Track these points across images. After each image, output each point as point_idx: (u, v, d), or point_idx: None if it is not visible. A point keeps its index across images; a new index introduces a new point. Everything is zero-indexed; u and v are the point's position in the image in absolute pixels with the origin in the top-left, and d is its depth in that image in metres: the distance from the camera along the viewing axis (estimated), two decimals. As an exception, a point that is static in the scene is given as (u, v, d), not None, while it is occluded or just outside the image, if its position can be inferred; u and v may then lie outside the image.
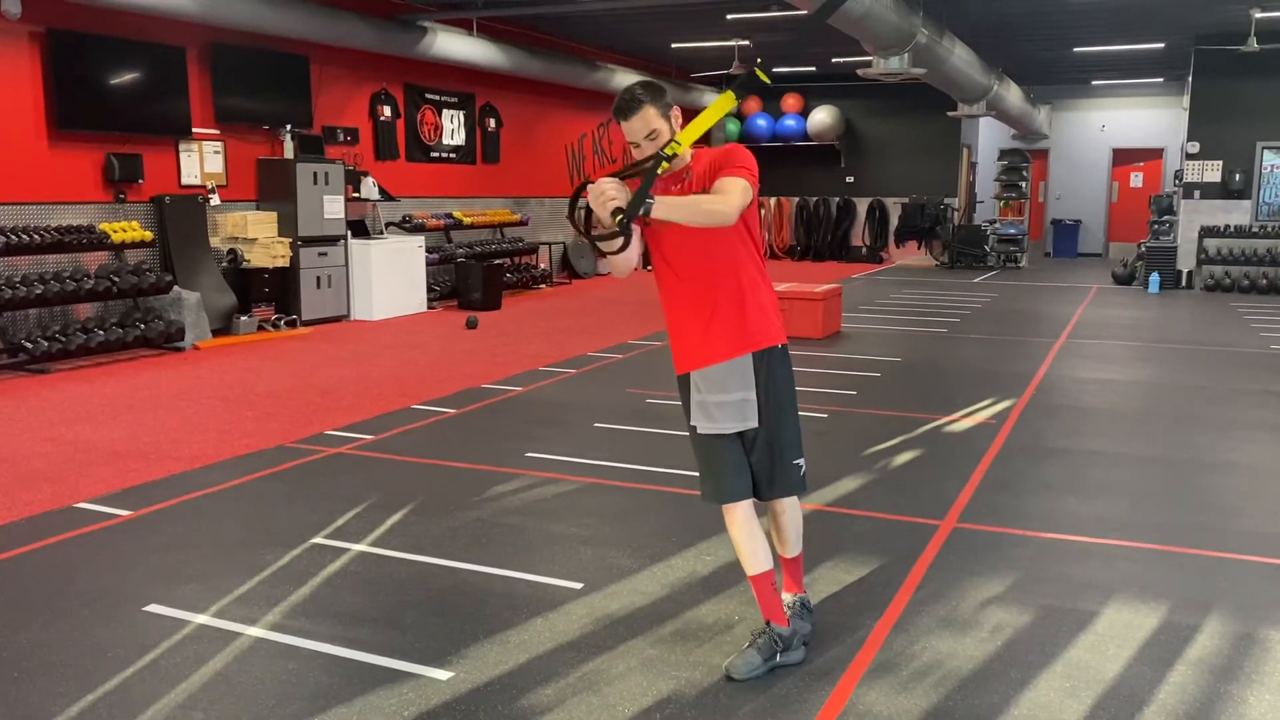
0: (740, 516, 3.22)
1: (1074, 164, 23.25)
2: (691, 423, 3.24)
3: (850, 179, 20.60)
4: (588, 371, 8.38)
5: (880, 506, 4.90)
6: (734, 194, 2.96)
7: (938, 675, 3.19)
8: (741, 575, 3.91)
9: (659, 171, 2.91)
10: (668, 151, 2.91)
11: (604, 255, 2.94)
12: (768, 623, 3.25)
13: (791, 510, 3.36)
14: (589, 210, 2.93)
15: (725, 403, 3.16)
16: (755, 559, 3.24)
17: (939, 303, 13.53)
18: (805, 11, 9.37)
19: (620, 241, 2.87)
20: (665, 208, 2.89)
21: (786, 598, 3.43)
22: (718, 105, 2.95)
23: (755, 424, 3.18)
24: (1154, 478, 5.50)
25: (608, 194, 2.83)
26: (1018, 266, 19.32)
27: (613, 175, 2.90)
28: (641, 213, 2.82)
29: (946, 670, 3.23)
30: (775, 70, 18.81)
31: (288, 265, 10.55)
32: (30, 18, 8.42)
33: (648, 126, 3.01)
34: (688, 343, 3.21)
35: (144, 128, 9.50)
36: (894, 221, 20.19)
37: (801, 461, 3.27)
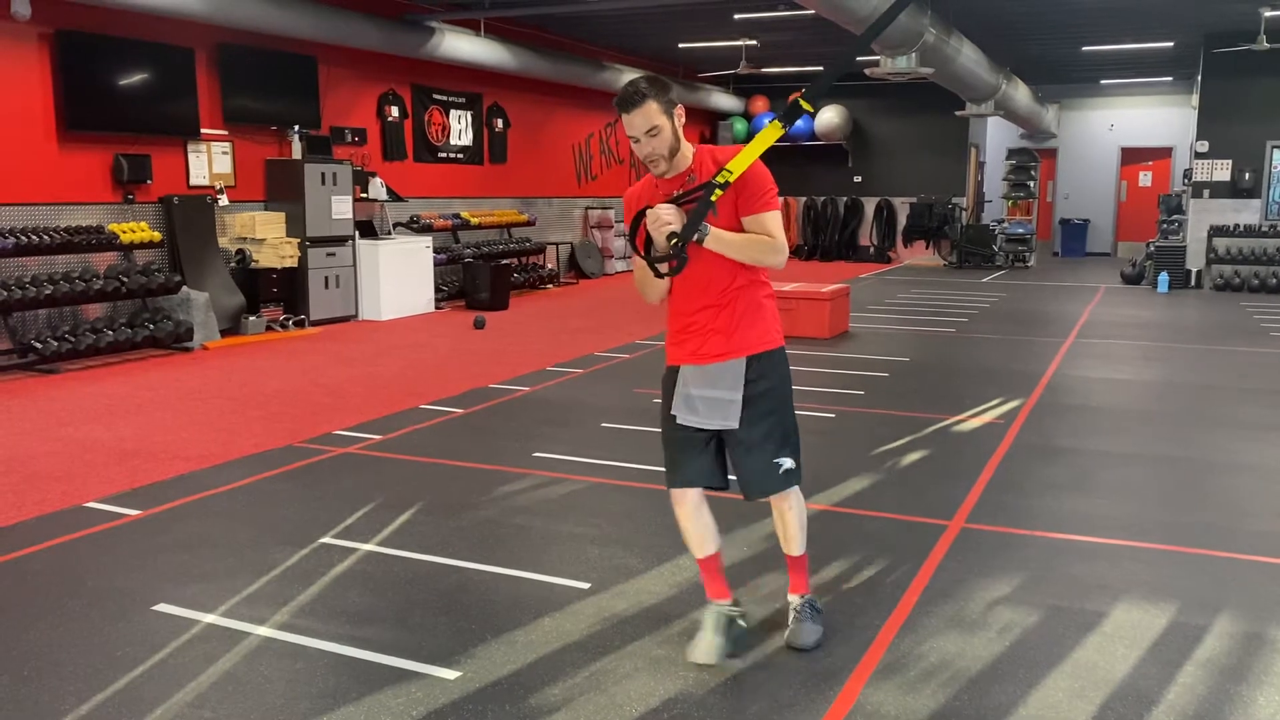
0: (690, 503, 3.30)
1: (1082, 163, 23.19)
2: (671, 411, 3.26)
3: (858, 179, 20.57)
4: (595, 371, 8.38)
5: (888, 506, 4.90)
6: (780, 238, 3.13)
7: (945, 675, 3.19)
8: (748, 574, 3.94)
9: (712, 199, 3.02)
10: (719, 180, 3.01)
11: (660, 275, 3.12)
12: (713, 600, 3.34)
13: (795, 507, 3.35)
14: (649, 234, 3.10)
15: (710, 399, 3.18)
16: (703, 544, 3.34)
17: (947, 302, 13.51)
18: (812, 11, 9.35)
19: (672, 264, 3.06)
20: (718, 241, 3.06)
21: (794, 599, 3.42)
22: (766, 135, 3.10)
23: (735, 425, 3.18)
24: (1162, 478, 5.49)
25: (663, 218, 3.01)
26: (1026, 266, 19.27)
27: (669, 202, 3.07)
28: (695, 239, 3.02)
29: (954, 670, 3.22)
30: (777, 70, 18.75)
31: (296, 265, 10.58)
32: (39, 19, 8.45)
33: (649, 122, 3.01)
34: (684, 341, 3.24)
35: (153, 128, 9.53)
36: (902, 221, 20.16)
37: (783, 460, 3.24)
